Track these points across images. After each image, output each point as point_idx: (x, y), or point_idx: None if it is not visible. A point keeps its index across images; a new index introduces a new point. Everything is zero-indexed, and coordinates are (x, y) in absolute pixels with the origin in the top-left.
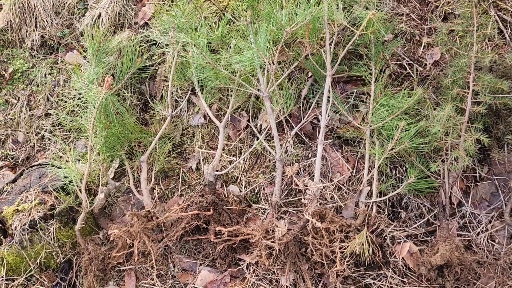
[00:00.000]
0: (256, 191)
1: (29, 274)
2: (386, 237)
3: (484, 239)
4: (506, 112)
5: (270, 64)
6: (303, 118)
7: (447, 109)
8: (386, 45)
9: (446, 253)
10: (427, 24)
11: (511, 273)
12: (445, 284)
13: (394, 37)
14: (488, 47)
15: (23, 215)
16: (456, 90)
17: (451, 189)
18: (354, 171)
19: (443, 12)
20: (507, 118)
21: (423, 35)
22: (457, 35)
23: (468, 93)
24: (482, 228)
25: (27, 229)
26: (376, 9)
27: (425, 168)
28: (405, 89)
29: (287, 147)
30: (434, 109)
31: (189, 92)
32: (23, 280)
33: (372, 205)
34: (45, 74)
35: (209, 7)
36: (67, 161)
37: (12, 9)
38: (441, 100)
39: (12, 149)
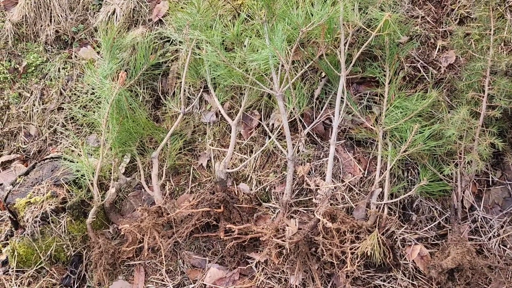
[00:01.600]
0: (266, 190)
1: (39, 266)
2: (396, 239)
3: (495, 244)
4: None
5: (285, 63)
6: (316, 118)
7: (462, 113)
8: (401, 47)
9: (458, 256)
10: (442, 27)
11: None
12: None
13: (409, 39)
14: (504, 51)
15: (35, 207)
16: (471, 93)
17: (463, 192)
18: (366, 173)
19: (459, 15)
20: None
21: (438, 38)
22: (472, 38)
23: (483, 97)
24: (494, 233)
25: (39, 222)
26: (391, 11)
27: (438, 171)
28: (419, 91)
29: (299, 146)
30: (448, 112)
31: (201, 90)
32: (33, 272)
33: (383, 207)
34: (59, 69)
35: (224, 5)
36: (79, 155)
37: (27, 3)
38: (456, 104)
39: (24, 142)
